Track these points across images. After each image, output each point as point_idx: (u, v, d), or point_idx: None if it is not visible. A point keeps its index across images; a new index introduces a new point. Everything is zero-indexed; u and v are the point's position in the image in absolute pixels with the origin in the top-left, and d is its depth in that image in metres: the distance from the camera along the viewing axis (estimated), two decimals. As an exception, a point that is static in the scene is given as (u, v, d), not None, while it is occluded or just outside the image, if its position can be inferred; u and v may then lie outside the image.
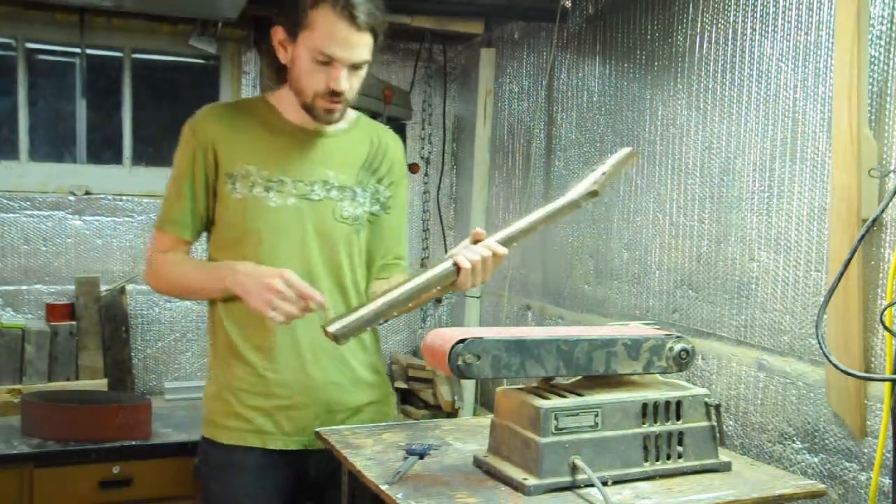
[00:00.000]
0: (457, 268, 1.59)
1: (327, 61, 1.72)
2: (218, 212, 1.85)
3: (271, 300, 1.64)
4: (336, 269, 1.87)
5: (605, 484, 1.41)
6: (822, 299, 1.58)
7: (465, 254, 1.60)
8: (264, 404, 1.84)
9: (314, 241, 1.84)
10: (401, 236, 2.02)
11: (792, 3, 1.89)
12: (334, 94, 1.75)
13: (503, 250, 1.62)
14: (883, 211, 1.58)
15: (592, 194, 1.67)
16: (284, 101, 1.86)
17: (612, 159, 1.70)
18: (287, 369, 1.84)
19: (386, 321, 1.96)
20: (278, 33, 1.79)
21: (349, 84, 1.76)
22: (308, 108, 1.80)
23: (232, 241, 1.84)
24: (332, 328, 1.52)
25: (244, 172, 1.82)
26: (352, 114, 1.96)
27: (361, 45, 1.73)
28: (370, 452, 1.63)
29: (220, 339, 1.89)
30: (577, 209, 1.69)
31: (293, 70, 1.78)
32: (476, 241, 1.63)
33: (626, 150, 1.73)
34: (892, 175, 1.63)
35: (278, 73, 1.84)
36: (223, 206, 1.84)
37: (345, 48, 1.71)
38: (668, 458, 1.51)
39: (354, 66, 1.75)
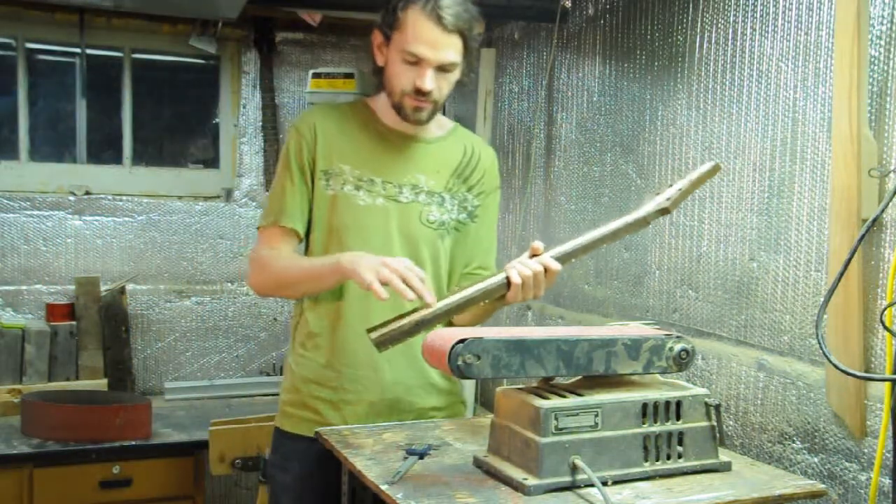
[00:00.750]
0: (508, 282, 1.58)
1: (415, 61, 1.76)
2: (313, 208, 1.89)
3: (382, 271, 1.62)
4: None
5: (605, 484, 1.41)
6: (822, 299, 1.58)
7: (518, 267, 1.59)
8: (332, 397, 1.87)
9: (397, 241, 1.86)
10: (487, 247, 2.01)
11: (792, 3, 1.89)
12: (420, 93, 1.78)
13: (557, 266, 1.61)
14: (883, 211, 1.58)
15: (663, 211, 1.65)
16: (382, 105, 1.91)
17: (693, 174, 1.66)
18: (359, 365, 1.86)
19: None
20: (376, 37, 1.84)
21: (436, 85, 1.79)
22: (398, 108, 1.84)
23: (322, 240, 1.87)
24: (373, 335, 1.53)
25: (338, 171, 1.87)
26: (448, 122, 2.01)
27: (448, 47, 1.76)
28: (370, 452, 1.63)
29: (301, 331, 1.93)
30: (645, 226, 1.67)
31: (386, 71, 1.83)
32: (533, 256, 1.62)
33: (708, 165, 1.67)
34: (892, 175, 1.62)
35: (377, 77, 1.89)
36: (316, 201, 1.88)
37: (431, 48, 1.75)
38: (668, 458, 1.51)
39: (442, 68, 1.78)
